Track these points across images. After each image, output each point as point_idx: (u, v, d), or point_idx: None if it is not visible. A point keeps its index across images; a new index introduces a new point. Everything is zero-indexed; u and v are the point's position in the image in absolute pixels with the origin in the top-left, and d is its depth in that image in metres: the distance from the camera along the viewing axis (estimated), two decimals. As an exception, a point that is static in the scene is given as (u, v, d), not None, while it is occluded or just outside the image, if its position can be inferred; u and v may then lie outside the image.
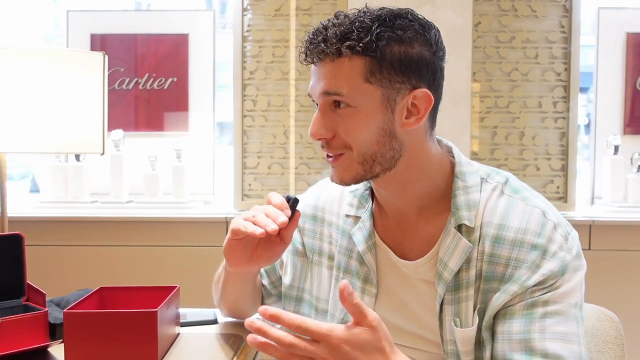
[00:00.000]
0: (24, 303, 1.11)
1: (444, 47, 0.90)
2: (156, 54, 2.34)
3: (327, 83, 0.86)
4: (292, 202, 0.92)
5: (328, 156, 0.91)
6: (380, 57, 0.84)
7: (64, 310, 0.97)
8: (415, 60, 0.86)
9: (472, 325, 0.88)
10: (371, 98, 0.86)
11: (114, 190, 2.21)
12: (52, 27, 2.52)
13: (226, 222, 2.05)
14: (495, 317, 0.87)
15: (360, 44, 0.84)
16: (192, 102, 2.34)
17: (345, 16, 0.87)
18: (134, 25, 2.35)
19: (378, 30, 0.84)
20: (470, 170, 0.93)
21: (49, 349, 1.01)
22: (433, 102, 0.88)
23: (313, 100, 0.92)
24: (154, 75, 2.34)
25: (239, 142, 2.15)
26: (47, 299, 1.10)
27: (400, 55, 0.85)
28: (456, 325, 0.89)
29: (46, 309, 1.02)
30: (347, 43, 0.84)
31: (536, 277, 0.84)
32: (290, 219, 0.90)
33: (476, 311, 0.88)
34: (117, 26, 2.35)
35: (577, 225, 0.97)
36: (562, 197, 2.18)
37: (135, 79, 2.34)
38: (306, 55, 0.89)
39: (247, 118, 2.16)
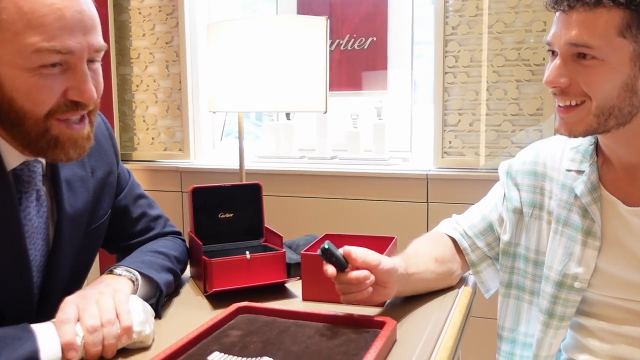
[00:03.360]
0: (262, 244, 1.26)
1: None
2: (357, 15, 2.41)
3: (577, 34, 0.84)
4: (324, 251, 0.88)
5: (559, 106, 0.90)
6: None
7: (302, 252, 1.09)
8: None
9: None
10: (621, 53, 0.83)
11: (319, 146, 2.36)
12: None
13: (426, 178, 2.08)
14: None
15: None
16: (390, 61, 2.38)
17: None
18: (337, -13, 2.44)
19: None
20: None
21: (286, 285, 1.15)
22: None
23: (549, 50, 0.90)
24: (355, 35, 2.42)
25: (440, 99, 2.14)
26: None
27: None
28: None
29: (284, 250, 1.15)
30: None
31: None
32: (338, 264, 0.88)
33: None
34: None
35: None
36: None
37: (337, 41, 2.44)
38: (556, 1, 0.86)
39: (449, 75, 2.14)
